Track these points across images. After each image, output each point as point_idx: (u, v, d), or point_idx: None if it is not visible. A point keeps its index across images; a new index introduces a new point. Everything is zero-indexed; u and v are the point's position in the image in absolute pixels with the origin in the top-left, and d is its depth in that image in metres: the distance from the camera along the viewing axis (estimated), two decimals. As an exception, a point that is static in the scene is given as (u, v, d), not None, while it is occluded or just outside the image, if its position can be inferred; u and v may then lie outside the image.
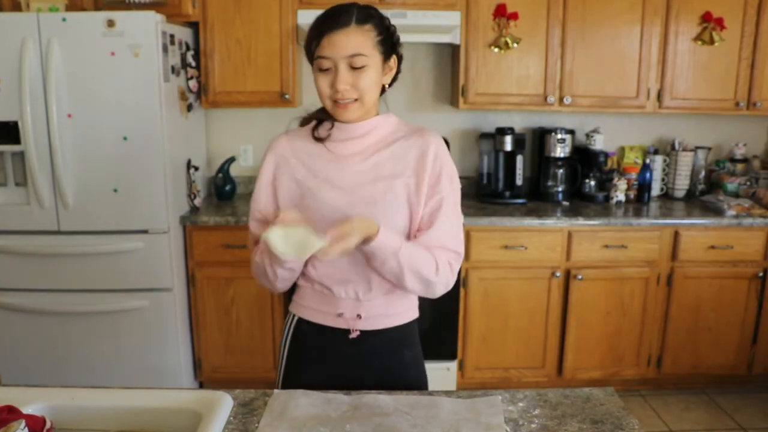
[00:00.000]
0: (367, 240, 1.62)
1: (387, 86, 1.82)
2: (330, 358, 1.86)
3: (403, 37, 3.95)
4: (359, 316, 1.82)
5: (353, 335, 1.82)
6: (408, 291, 1.78)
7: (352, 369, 1.85)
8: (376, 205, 1.74)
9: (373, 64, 1.70)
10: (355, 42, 1.66)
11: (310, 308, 1.88)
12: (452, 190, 1.80)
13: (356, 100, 1.71)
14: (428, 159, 1.77)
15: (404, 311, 1.89)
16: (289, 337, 1.93)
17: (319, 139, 1.82)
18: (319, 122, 1.84)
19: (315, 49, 1.69)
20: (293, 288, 1.95)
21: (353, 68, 1.67)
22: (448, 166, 1.80)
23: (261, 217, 1.84)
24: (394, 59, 1.79)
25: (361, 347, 1.83)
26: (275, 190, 1.83)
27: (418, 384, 1.95)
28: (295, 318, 1.92)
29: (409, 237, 1.79)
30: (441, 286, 1.78)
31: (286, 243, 1.56)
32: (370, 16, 1.71)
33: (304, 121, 1.90)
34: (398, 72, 1.84)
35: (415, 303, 1.93)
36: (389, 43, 1.75)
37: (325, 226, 1.66)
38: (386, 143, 1.81)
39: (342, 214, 1.70)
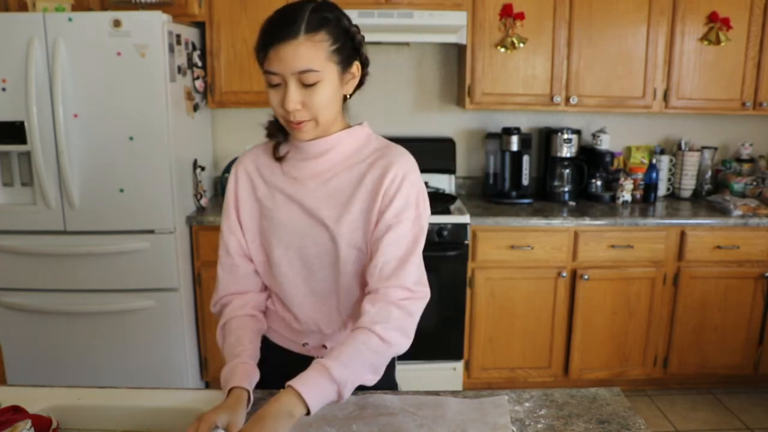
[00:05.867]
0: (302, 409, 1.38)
1: (349, 96, 1.64)
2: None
3: (410, 37, 4.01)
4: (324, 347, 1.75)
5: None
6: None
7: None
8: (332, 231, 1.61)
9: (328, 78, 1.50)
10: (305, 56, 1.46)
11: (275, 332, 1.82)
12: (409, 219, 1.59)
13: (310, 120, 1.54)
14: (385, 181, 1.58)
15: None
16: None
17: (278, 159, 1.69)
18: (279, 141, 1.71)
19: (262, 62, 1.52)
20: None
21: (304, 85, 1.48)
22: (407, 192, 1.60)
23: (230, 234, 1.76)
24: (356, 66, 1.60)
25: None
26: (238, 208, 1.73)
27: None
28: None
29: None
30: (402, 345, 1.56)
31: None
32: (324, 22, 1.49)
33: (268, 133, 1.73)
34: (364, 75, 1.65)
35: None
36: (349, 49, 1.55)
37: (283, 248, 1.65)
38: (348, 164, 1.64)
39: (299, 237, 1.65)
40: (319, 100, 1.50)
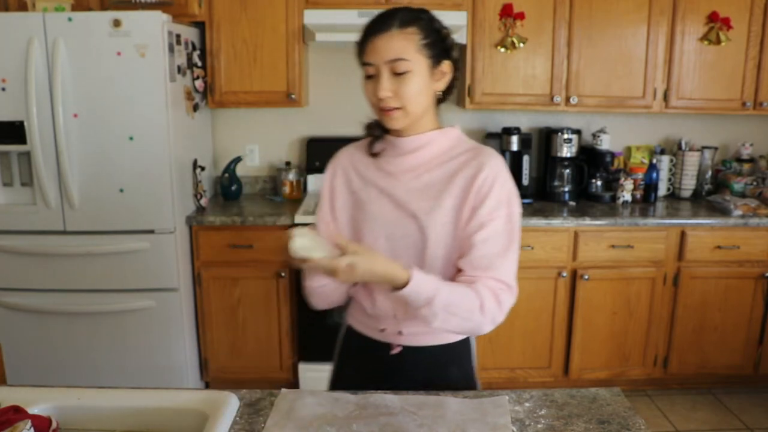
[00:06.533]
0: (396, 287, 1.54)
1: (441, 93, 1.74)
2: (374, 369, 1.85)
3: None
4: (400, 333, 1.80)
5: (394, 351, 1.81)
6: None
7: (395, 381, 1.80)
8: (422, 223, 1.68)
9: (418, 69, 1.62)
10: (396, 46, 1.61)
11: (356, 319, 1.91)
12: (501, 216, 1.67)
13: (400, 108, 1.64)
14: (477, 181, 1.66)
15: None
16: (340, 343, 1.99)
17: (373, 155, 1.80)
18: (377, 137, 1.79)
19: (361, 56, 1.67)
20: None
21: (396, 74, 1.61)
22: (499, 191, 1.67)
23: (321, 222, 1.85)
24: (447, 64, 1.71)
25: (404, 362, 1.81)
26: (333, 200, 1.84)
27: None
28: (345, 325, 1.97)
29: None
30: (487, 326, 1.67)
31: (305, 245, 1.53)
32: (416, 19, 1.66)
33: (367, 129, 1.82)
34: (455, 78, 1.76)
35: None
36: (439, 48, 1.68)
37: (373, 237, 1.72)
38: (441, 161, 1.73)
39: (389, 228, 1.72)
40: (409, 89, 1.62)
